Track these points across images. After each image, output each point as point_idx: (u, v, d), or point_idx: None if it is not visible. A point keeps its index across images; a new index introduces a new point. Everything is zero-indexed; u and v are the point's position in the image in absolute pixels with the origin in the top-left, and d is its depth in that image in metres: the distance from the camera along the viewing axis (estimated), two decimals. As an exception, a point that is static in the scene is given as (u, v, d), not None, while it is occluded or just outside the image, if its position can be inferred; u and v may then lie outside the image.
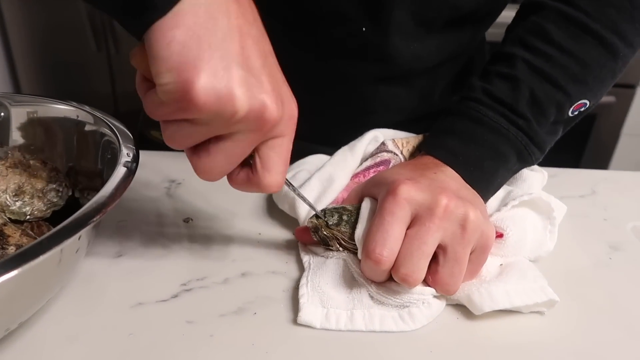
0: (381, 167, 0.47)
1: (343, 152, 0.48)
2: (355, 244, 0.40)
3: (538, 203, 0.45)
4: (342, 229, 0.40)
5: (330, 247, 0.41)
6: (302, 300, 0.37)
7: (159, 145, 0.64)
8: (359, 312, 0.37)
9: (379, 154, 0.48)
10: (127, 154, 0.36)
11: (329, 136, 0.53)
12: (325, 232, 0.41)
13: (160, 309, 0.37)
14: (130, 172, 0.35)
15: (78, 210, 0.31)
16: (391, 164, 0.48)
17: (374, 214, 0.39)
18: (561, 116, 0.46)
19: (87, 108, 0.43)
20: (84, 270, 0.40)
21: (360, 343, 0.36)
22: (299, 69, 0.55)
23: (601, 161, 1.64)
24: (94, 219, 0.29)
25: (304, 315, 0.36)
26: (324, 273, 0.39)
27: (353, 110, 0.57)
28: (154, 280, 0.40)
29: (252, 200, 0.51)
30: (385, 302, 0.38)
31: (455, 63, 0.59)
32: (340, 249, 0.41)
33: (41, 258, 0.26)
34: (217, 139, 0.31)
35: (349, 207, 0.42)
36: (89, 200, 0.34)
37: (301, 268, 0.42)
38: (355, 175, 0.47)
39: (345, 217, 0.41)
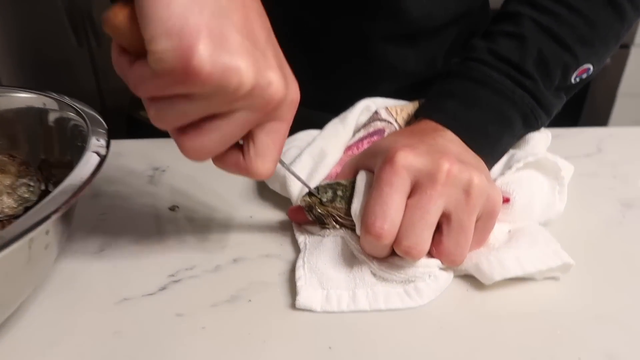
0: (375, 137, 0.44)
1: (334, 125, 0.45)
2: (352, 220, 0.37)
3: (544, 164, 0.42)
4: (337, 205, 0.38)
5: (326, 226, 0.39)
6: (300, 283, 0.35)
7: (149, 127, 0.61)
8: (361, 291, 0.34)
9: (372, 124, 0.45)
10: (96, 139, 0.33)
11: (330, 102, 0.50)
12: (319, 210, 0.38)
13: (148, 303, 0.35)
14: (101, 157, 0.32)
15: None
16: (385, 133, 0.45)
17: (371, 186, 0.36)
18: (564, 82, 0.44)
19: (53, 95, 0.40)
20: (63, 269, 0.38)
21: (365, 324, 0.33)
22: (304, 31, 0.50)
23: (599, 123, 1.62)
24: (58, 210, 0.26)
25: (303, 299, 0.34)
26: (321, 253, 0.37)
27: (358, 74, 0.54)
28: (139, 274, 0.37)
29: (241, 182, 0.48)
30: (389, 279, 0.35)
31: (461, 26, 0.56)
32: (337, 226, 0.38)
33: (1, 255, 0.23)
34: (212, 117, 0.28)
35: (343, 182, 0.39)
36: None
37: (297, 250, 0.39)
38: (349, 148, 0.44)
39: (339, 193, 0.38)
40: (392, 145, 0.36)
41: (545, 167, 0.42)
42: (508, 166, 0.43)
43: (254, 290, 0.36)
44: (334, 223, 0.38)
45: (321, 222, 0.39)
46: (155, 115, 0.28)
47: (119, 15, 0.26)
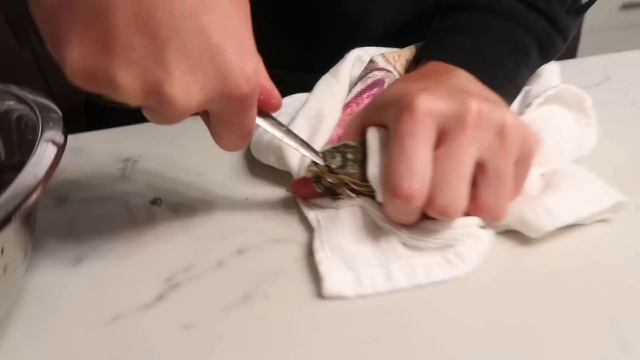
0: (375, 90, 0.39)
1: (326, 81, 0.39)
2: (370, 186, 0.32)
3: (566, 96, 0.38)
4: (350, 171, 0.32)
5: (340, 196, 0.33)
6: (323, 267, 0.29)
7: (114, 113, 0.54)
8: (395, 266, 0.29)
9: (370, 75, 0.39)
10: (49, 126, 0.27)
11: (314, 60, 0.44)
12: (330, 180, 0.32)
13: (145, 318, 0.29)
14: (57, 147, 0.25)
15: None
16: (386, 84, 0.39)
17: (387, 142, 0.31)
18: (575, 2, 0.39)
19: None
20: (34, 290, 0.31)
21: (408, 304, 0.28)
22: None
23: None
24: (9, 219, 0.20)
25: (330, 285, 0.28)
26: (340, 228, 0.31)
27: (341, 22, 0.48)
28: (128, 283, 0.31)
29: (227, 161, 0.42)
30: (424, 247, 0.30)
31: None
32: (353, 195, 0.33)
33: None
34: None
35: (350, 143, 0.34)
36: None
37: (309, 229, 0.34)
38: (347, 106, 0.39)
39: (350, 156, 0.33)
40: (405, 92, 0.31)
41: (567, 100, 0.38)
42: (526, 104, 0.38)
43: (269, 283, 0.30)
44: (349, 192, 0.33)
45: (332, 193, 0.33)
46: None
47: None
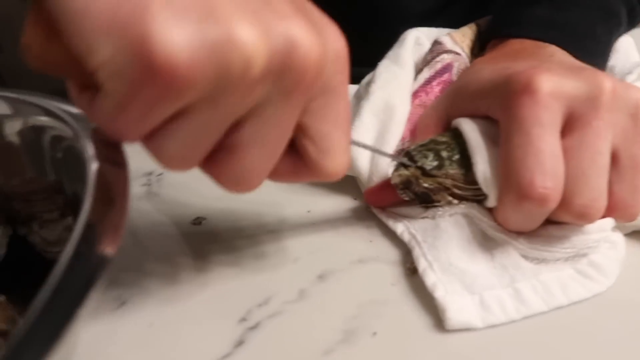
0: (446, 76, 0.34)
1: (387, 68, 0.34)
2: (476, 189, 0.27)
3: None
4: (450, 171, 0.27)
5: (435, 203, 0.28)
6: (439, 293, 0.24)
7: None
8: (524, 285, 0.24)
9: (437, 58, 0.34)
10: (93, 143, 0.20)
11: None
12: (426, 184, 0.27)
13: (227, 373, 0.23)
14: (118, 165, 0.19)
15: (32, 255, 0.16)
16: (455, 69, 0.34)
17: (492, 135, 0.26)
18: None
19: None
20: (82, 340, 0.25)
21: (550, 330, 0.23)
22: None
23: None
24: (103, 265, 0.14)
25: (454, 314, 0.23)
26: (446, 242, 0.26)
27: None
28: (193, 330, 0.25)
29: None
30: (550, 258, 0.25)
31: None
32: (455, 200, 0.28)
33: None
34: (238, 127, 0.19)
35: (439, 138, 0.28)
36: (43, 234, 0.19)
37: (396, 245, 0.28)
38: (415, 95, 0.33)
39: (444, 154, 0.27)
40: (511, 72, 0.26)
41: None
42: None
43: (372, 315, 0.25)
44: (449, 197, 0.28)
45: (426, 201, 0.28)
46: (167, 157, 0.19)
47: (37, 40, 0.18)
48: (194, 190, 0.35)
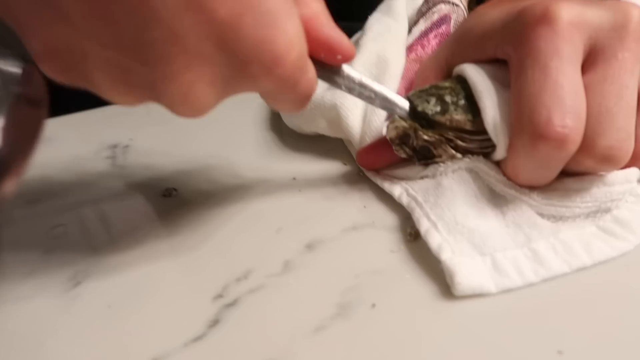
0: (443, 28, 0.30)
1: (380, 21, 0.31)
2: (483, 139, 0.23)
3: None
4: (456, 117, 0.24)
5: (436, 159, 0.25)
6: (446, 255, 0.21)
7: (79, 89, 0.43)
8: (542, 245, 0.21)
9: (434, 9, 0.31)
10: (12, 72, 0.17)
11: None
12: (426, 137, 0.24)
13: (199, 355, 0.19)
14: (32, 102, 0.16)
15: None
16: (452, 21, 0.31)
17: (500, 78, 0.23)
18: None
19: None
20: (16, 332, 0.21)
21: (575, 296, 0.20)
22: None
23: None
24: None
25: (464, 278, 0.20)
26: (450, 200, 0.23)
27: None
28: (158, 310, 0.21)
29: (249, 135, 0.32)
30: (569, 214, 0.22)
31: None
32: (458, 154, 0.24)
33: None
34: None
35: (442, 83, 0.25)
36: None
37: (393, 208, 0.25)
38: (410, 49, 0.30)
39: (448, 99, 0.24)
40: (529, 4, 0.22)
41: None
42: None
43: (370, 286, 0.21)
44: (453, 151, 0.24)
45: (425, 157, 0.25)
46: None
47: None
48: (165, 161, 0.31)
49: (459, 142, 0.24)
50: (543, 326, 0.19)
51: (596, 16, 0.21)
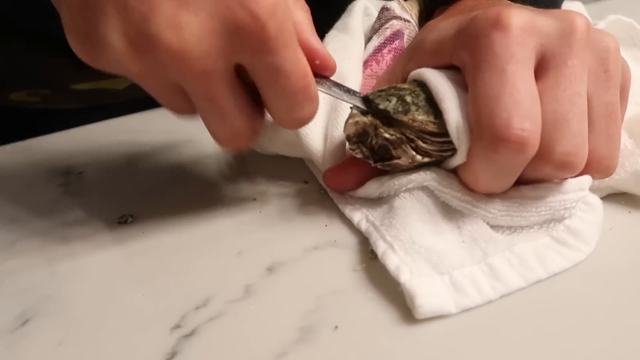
0: (397, 43, 0.31)
1: (335, 38, 0.31)
2: (443, 142, 0.23)
3: (614, 28, 0.32)
4: (418, 117, 0.23)
5: (392, 160, 0.24)
6: (404, 276, 0.21)
7: (27, 114, 0.41)
8: (498, 259, 0.21)
9: (387, 25, 0.31)
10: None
11: None
12: (387, 134, 0.23)
13: (157, 392, 0.18)
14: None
15: None
16: (405, 37, 0.31)
17: (458, 81, 0.23)
18: None
19: None
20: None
21: (533, 310, 0.20)
22: None
23: None
24: None
25: (425, 300, 0.20)
26: (404, 219, 0.23)
27: None
28: (112, 345, 0.20)
29: (208, 158, 0.32)
30: (524, 223, 0.23)
31: None
32: (418, 156, 0.23)
33: None
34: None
35: (399, 85, 0.25)
36: None
37: (355, 228, 0.25)
38: (366, 65, 0.30)
39: (408, 99, 0.23)
40: (481, 12, 0.23)
41: (617, 33, 0.32)
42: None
43: (332, 307, 0.21)
44: (413, 152, 0.23)
45: (382, 158, 0.24)
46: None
47: None
48: (120, 188, 0.30)
49: (420, 143, 0.23)
50: (503, 342, 0.19)
51: (545, 24, 0.22)
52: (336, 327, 0.20)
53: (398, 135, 0.23)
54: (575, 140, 0.21)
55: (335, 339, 0.20)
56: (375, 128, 0.23)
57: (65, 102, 0.42)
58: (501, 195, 0.23)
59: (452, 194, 0.23)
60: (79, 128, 0.37)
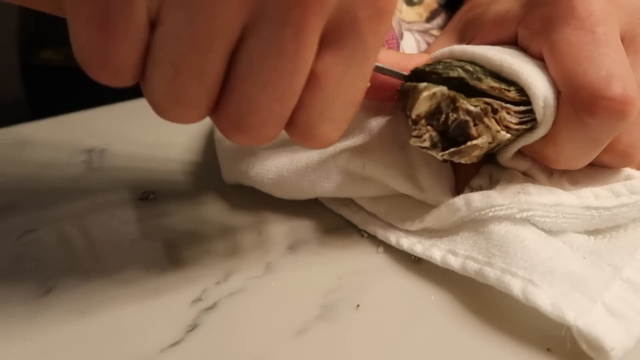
0: (393, 42, 0.30)
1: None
2: (524, 111, 0.20)
3: None
4: (495, 84, 0.19)
5: (466, 145, 0.19)
6: (570, 315, 0.17)
7: (56, 74, 0.41)
8: (631, 273, 0.19)
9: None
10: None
11: None
12: (471, 105, 0.19)
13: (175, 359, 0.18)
14: None
15: None
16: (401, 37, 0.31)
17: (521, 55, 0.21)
18: None
19: None
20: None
21: None
22: None
23: None
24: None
25: (613, 339, 0.16)
26: (520, 243, 0.19)
27: None
28: (134, 316, 0.20)
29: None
30: (622, 222, 0.21)
31: None
32: (502, 131, 0.19)
33: None
34: (235, 56, 0.16)
35: (448, 60, 0.21)
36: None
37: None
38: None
39: (471, 68, 0.20)
40: None
41: None
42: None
43: (353, 286, 0.21)
44: (498, 127, 0.19)
45: (451, 142, 0.20)
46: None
47: None
48: (142, 165, 0.30)
49: (504, 114, 0.19)
50: None
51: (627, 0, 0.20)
52: (358, 305, 0.20)
53: (483, 105, 0.19)
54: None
55: (357, 317, 0.19)
56: (453, 101, 0.19)
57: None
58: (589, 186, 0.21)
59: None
60: (104, 107, 0.37)
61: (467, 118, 0.19)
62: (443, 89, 0.19)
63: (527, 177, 0.21)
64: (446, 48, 0.21)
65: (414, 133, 0.20)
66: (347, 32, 0.15)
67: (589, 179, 0.21)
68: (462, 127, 0.19)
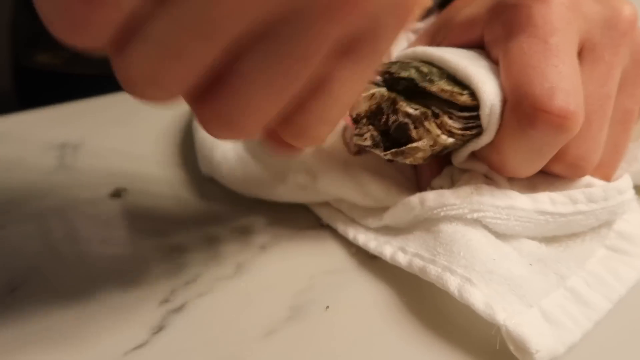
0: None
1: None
2: (468, 117, 0.20)
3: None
4: (446, 87, 0.19)
5: (408, 146, 0.20)
6: (501, 315, 0.17)
7: (49, 77, 0.40)
8: (576, 282, 0.19)
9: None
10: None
11: None
12: (410, 108, 0.19)
13: (142, 365, 0.18)
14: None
15: None
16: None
17: (479, 59, 0.21)
18: None
19: None
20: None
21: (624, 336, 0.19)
22: None
23: None
24: None
25: (539, 342, 0.16)
26: (465, 243, 0.19)
27: None
28: (99, 318, 0.20)
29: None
30: (577, 230, 0.21)
31: None
32: (443, 135, 0.19)
33: None
34: (241, 50, 0.13)
35: (406, 60, 0.21)
36: None
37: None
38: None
39: (425, 69, 0.20)
40: None
41: None
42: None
43: (324, 287, 0.21)
44: (438, 131, 0.19)
45: (393, 143, 0.20)
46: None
47: None
48: (115, 160, 0.30)
49: (446, 119, 0.19)
50: None
51: (590, 8, 0.20)
52: (327, 307, 0.20)
53: (422, 109, 0.19)
54: (591, 145, 0.20)
55: (326, 318, 0.19)
56: (393, 103, 0.19)
57: (85, 66, 0.40)
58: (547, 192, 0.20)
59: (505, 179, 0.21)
60: (78, 101, 0.36)
61: (407, 120, 0.19)
62: (382, 90, 0.20)
63: (488, 179, 0.21)
64: (410, 49, 0.22)
65: (356, 132, 0.20)
66: (366, 39, 0.14)
67: (549, 184, 0.21)
68: (403, 129, 0.20)
